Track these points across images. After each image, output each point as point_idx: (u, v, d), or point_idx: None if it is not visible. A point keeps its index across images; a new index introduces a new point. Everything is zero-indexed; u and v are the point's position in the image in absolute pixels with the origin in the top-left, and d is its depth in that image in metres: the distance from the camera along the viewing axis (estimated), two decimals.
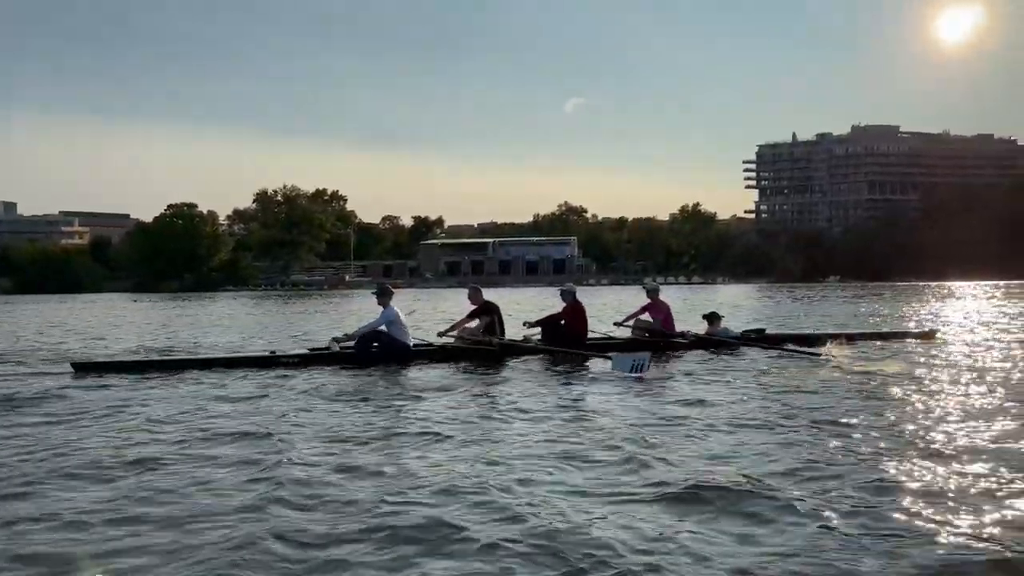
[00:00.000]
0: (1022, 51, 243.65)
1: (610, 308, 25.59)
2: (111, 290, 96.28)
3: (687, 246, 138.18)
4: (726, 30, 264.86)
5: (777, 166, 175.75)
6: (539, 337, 11.82)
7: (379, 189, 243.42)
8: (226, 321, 27.53)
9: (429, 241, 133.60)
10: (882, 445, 5.59)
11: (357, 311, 28.94)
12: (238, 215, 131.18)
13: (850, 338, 13.07)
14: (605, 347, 11.51)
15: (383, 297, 10.90)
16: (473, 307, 11.63)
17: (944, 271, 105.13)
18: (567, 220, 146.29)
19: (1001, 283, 74.20)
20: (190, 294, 79.00)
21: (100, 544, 3.74)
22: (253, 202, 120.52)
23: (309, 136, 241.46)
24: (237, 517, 4.07)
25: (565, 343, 11.37)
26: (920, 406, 7.18)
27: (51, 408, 7.56)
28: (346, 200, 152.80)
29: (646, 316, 12.55)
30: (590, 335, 12.12)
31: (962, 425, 6.26)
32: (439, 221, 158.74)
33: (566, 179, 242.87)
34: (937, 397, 7.69)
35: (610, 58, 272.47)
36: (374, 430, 6.40)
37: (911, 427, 6.23)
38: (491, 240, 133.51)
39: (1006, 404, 7.19)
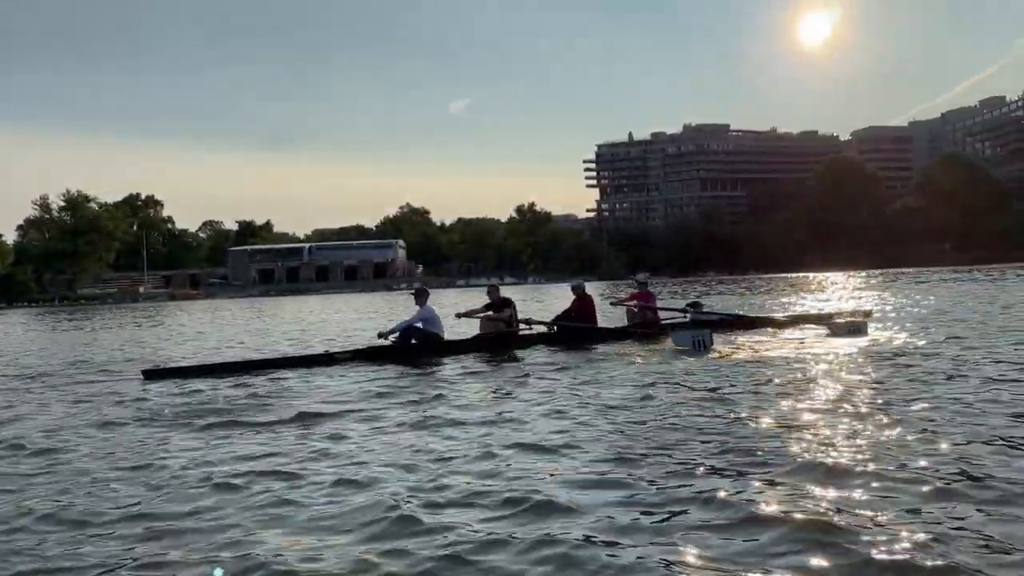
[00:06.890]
0: (850, 52, 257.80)
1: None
2: None
3: (524, 246, 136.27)
4: (590, 30, 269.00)
5: (615, 165, 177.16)
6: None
7: (227, 192, 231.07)
8: None
9: (238, 247, 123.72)
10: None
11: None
12: (31, 224, 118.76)
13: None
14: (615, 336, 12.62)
15: (420, 298, 12.19)
16: (489, 302, 12.72)
17: (758, 264, 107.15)
18: (402, 222, 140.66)
19: (810, 274, 75.14)
20: None
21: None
22: (33, 210, 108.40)
23: (159, 136, 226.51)
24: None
25: (575, 334, 12.49)
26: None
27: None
28: (162, 205, 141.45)
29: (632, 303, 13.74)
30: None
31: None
32: (267, 226, 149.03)
33: (426, 181, 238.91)
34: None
35: (487, 60, 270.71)
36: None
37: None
38: (307, 245, 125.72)
39: None
